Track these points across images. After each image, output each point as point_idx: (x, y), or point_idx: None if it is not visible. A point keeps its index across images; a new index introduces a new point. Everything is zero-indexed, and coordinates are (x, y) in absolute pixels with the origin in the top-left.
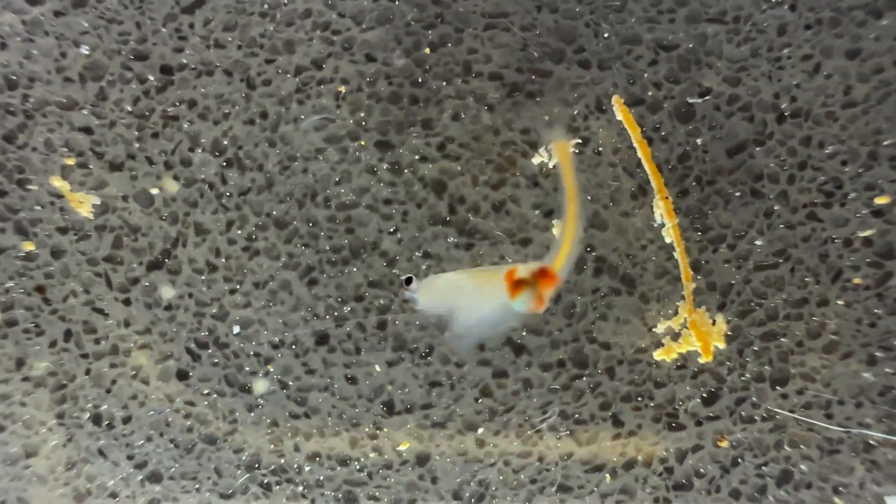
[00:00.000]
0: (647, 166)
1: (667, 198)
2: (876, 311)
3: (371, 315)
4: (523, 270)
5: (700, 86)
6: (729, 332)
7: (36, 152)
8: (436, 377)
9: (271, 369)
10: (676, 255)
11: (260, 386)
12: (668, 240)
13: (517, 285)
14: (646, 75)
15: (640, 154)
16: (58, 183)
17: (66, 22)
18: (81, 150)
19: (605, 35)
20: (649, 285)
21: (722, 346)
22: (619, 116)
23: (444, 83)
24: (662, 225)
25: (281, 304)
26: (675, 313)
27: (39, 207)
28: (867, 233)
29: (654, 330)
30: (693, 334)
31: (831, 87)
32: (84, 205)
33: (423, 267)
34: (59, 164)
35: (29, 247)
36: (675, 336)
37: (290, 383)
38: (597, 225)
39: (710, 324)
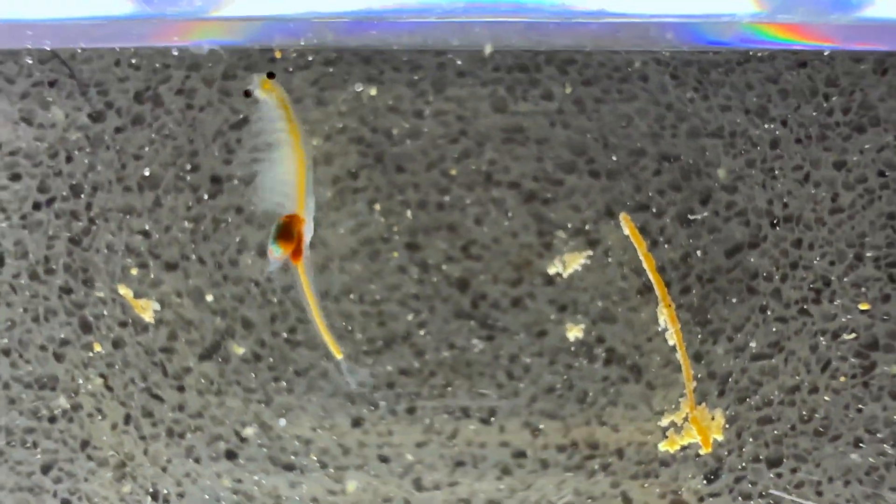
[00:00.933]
0: (652, 277)
1: (670, 305)
2: (862, 397)
3: (402, 401)
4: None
5: (700, 195)
6: (729, 415)
7: (99, 254)
8: (460, 457)
9: (311, 449)
10: (678, 356)
11: (301, 465)
12: (671, 343)
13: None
14: (650, 184)
15: (645, 265)
16: (123, 290)
17: (125, 137)
18: (140, 252)
19: (613, 148)
20: (654, 374)
21: (720, 438)
22: (627, 232)
23: (467, 191)
24: (666, 329)
25: (320, 391)
26: (678, 408)
27: (102, 304)
28: (853, 327)
29: (659, 423)
30: (694, 428)
31: (820, 195)
32: (147, 311)
33: (445, 362)
34: (119, 266)
35: (98, 347)
36: (678, 429)
37: (328, 462)
38: (607, 319)
39: (709, 419)
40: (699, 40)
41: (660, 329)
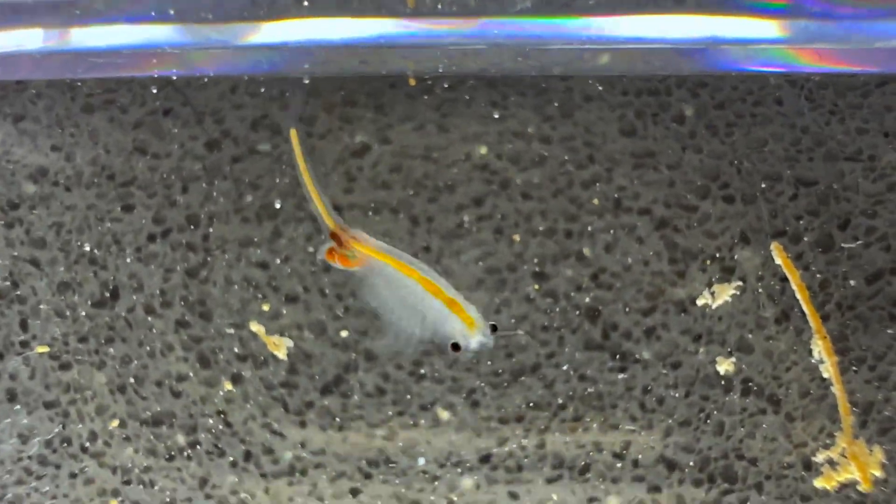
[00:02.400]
0: (806, 308)
1: (825, 337)
2: None
3: (531, 436)
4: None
5: (839, 220)
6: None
7: (216, 286)
8: (593, 493)
9: (437, 486)
10: (835, 390)
11: (427, 501)
12: (826, 375)
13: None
14: (787, 209)
15: (798, 296)
16: (255, 328)
17: (242, 167)
18: (259, 284)
19: (748, 172)
20: (794, 405)
21: (879, 474)
22: (779, 261)
23: (596, 217)
24: (822, 362)
25: (446, 425)
26: (834, 443)
27: (220, 337)
28: None
29: (814, 459)
30: (853, 464)
31: None
32: (280, 348)
33: (576, 394)
34: (238, 298)
35: (228, 386)
36: (834, 465)
37: (455, 499)
38: (743, 349)
39: (867, 454)
40: (837, 64)
41: (814, 361)
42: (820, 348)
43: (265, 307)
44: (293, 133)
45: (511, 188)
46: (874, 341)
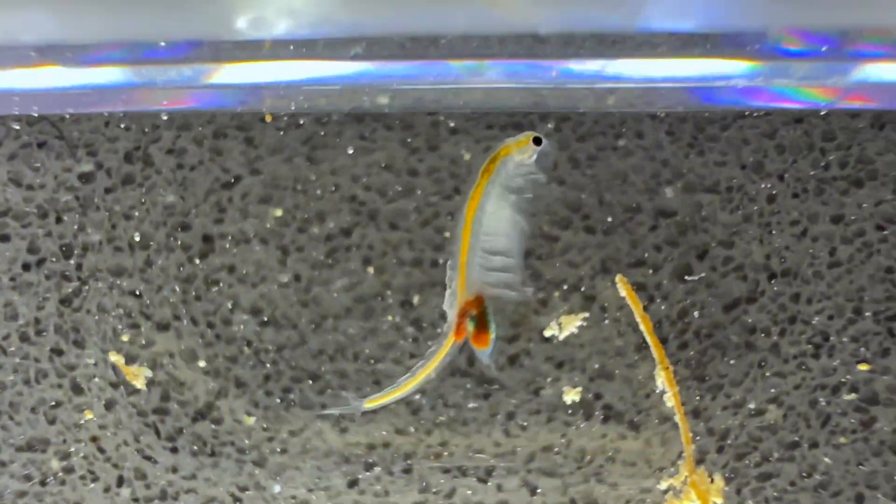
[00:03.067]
0: (649, 339)
1: (667, 368)
2: (863, 452)
3: (397, 461)
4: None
5: (697, 250)
6: (728, 472)
7: (90, 314)
8: None
9: None
10: (677, 419)
11: None
12: (669, 405)
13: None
14: (647, 240)
15: (642, 328)
16: (114, 357)
17: (115, 198)
18: (131, 312)
19: (609, 204)
20: (653, 430)
21: (720, 501)
22: (623, 293)
23: None
24: (664, 392)
25: (315, 451)
26: (677, 471)
27: (94, 365)
28: (853, 382)
29: (658, 486)
30: (693, 492)
31: (818, 249)
32: (138, 377)
33: (444, 418)
34: (111, 327)
35: (89, 415)
36: (677, 493)
37: None
38: (604, 375)
39: (708, 482)
40: (695, 102)
41: (657, 391)
42: (663, 379)
43: (137, 336)
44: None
45: (379, 219)
46: (731, 369)
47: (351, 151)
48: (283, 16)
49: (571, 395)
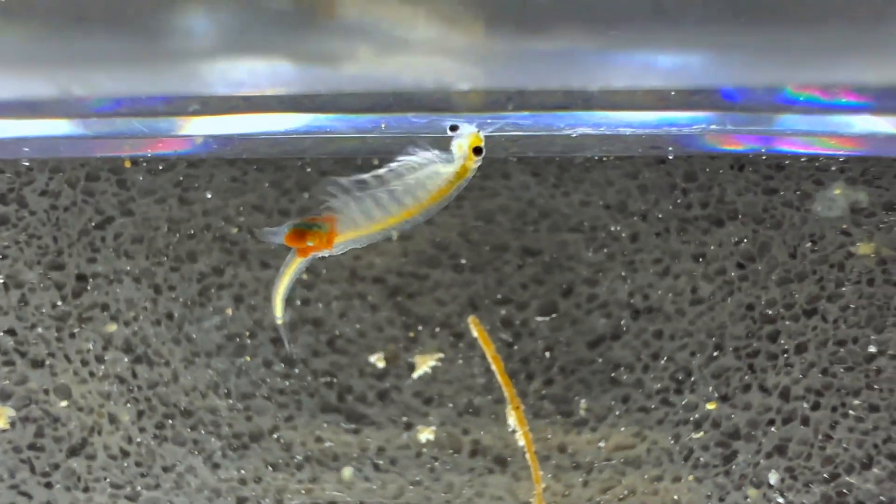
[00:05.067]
0: (500, 379)
1: (518, 407)
2: (724, 486)
3: (269, 496)
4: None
5: (562, 288)
6: None
7: None
8: None
9: None
10: (527, 458)
11: None
12: (520, 444)
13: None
14: (513, 278)
15: (493, 368)
16: None
17: None
18: (6, 350)
19: (476, 243)
20: (519, 465)
21: None
22: (475, 334)
23: (332, 286)
24: (515, 430)
25: (188, 486)
26: None
27: None
28: (714, 416)
29: None
30: None
31: (679, 286)
32: (1, 417)
33: (314, 453)
34: None
35: None
36: None
37: None
38: (472, 411)
39: None
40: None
41: (510, 430)
42: (514, 418)
43: (11, 372)
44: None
45: (249, 258)
46: (596, 404)
47: (221, 193)
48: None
49: (440, 431)
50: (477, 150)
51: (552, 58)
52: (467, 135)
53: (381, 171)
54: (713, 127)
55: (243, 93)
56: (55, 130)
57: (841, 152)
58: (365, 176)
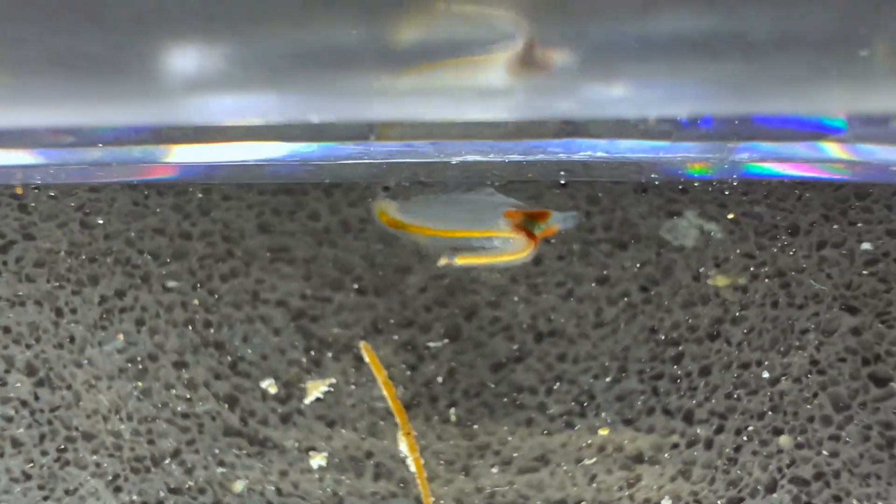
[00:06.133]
0: (392, 405)
1: (409, 433)
2: None
3: None
4: None
5: (465, 311)
6: None
7: None
8: None
9: None
10: (418, 484)
11: None
12: (412, 469)
13: None
14: (417, 301)
15: (384, 393)
16: None
17: None
18: None
19: (380, 266)
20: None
21: None
22: (367, 359)
23: (235, 309)
24: (406, 457)
25: None
26: None
27: None
28: (618, 438)
29: None
30: None
31: (583, 309)
32: None
33: (217, 476)
34: None
35: None
36: None
37: None
38: (376, 434)
39: None
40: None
41: (401, 455)
42: (405, 444)
43: None
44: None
45: (152, 281)
46: (498, 427)
47: (122, 217)
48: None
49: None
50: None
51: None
52: None
53: None
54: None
55: (244, 122)
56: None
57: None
58: None
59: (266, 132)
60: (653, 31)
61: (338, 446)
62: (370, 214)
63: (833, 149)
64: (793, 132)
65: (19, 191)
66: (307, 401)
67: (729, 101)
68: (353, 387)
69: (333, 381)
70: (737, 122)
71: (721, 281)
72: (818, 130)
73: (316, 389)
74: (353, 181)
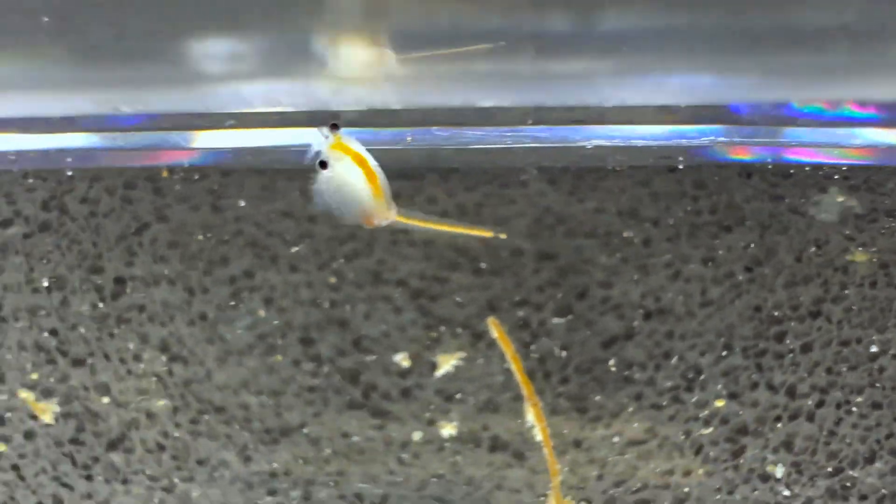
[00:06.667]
0: (519, 377)
1: (535, 404)
2: (733, 479)
3: (298, 488)
4: None
5: (576, 289)
6: (607, 498)
7: (10, 351)
8: None
9: None
10: (545, 453)
11: None
12: (538, 439)
13: None
14: (530, 281)
15: (512, 367)
16: (23, 395)
17: (32, 243)
18: (48, 349)
19: (495, 247)
20: (538, 459)
21: None
22: (495, 334)
23: (358, 289)
24: (533, 426)
25: (221, 479)
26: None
27: (11, 398)
28: (723, 413)
29: None
30: None
31: (690, 289)
32: (46, 412)
33: (341, 448)
34: (30, 363)
35: (2, 448)
36: None
37: None
38: (490, 407)
39: None
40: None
41: (528, 426)
42: (532, 414)
43: (53, 370)
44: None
45: (279, 262)
46: (609, 401)
47: (252, 201)
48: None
49: (460, 427)
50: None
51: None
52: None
53: None
54: (721, 139)
55: (274, 109)
56: (94, 142)
57: (844, 161)
58: None
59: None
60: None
61: (457, 418)
62: (486, 199)
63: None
64: (831, 121)
65: (165, 174)
66: (438, 373)
67: (772, 88)
68: (473, 362)
69: (464, 354)
70: (776, 109)
71: (860, 257)
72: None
73: (447, 363)
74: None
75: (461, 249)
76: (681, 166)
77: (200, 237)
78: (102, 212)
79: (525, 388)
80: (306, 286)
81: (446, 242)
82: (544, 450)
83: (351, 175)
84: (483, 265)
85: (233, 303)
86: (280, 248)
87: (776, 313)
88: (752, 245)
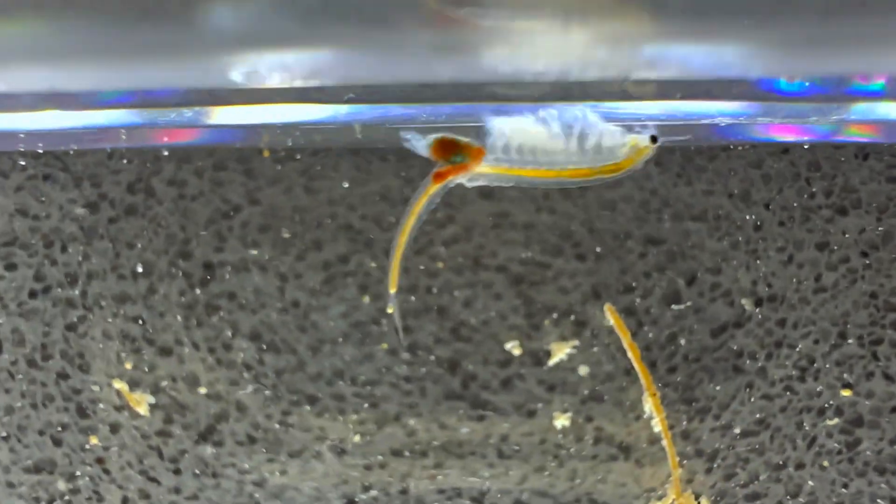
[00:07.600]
0: (637, 367)
1: (655, 394)
2: (847, 473)
3: (394, 481)
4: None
5: (685, 276)
6: (716, 492)
7: (94, 340)
8: None
9: None
10: (664, 444)
11: None
12: (656, 430)
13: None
14: (636, 266)
15: (630, 356)
16: (118, 385)
17: (118, 227)
18: (135, 338)
19: (599, 232)
20: (642, 452)
21: None
22: (611, 322)
23: (456, 275)
24: (651, 417)
25: (314, 472)
26: (665, 494)
27: (98, 389)
28: (838, 403)
29: None
30: None
31: (803, 275)
32: (141, 404)
33: (438, 441)
34: (115, 352)
35: (94, 440)
36: None
37: None
38: (594, 398)
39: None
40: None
41: (645, 416)
42: (650, 405)
43: (140, 361)
44: None
45: (374, 247)
46: (719, 392)
47: (347, 184)
48: (276, 69)
49: (563, 418)
50: (653, 139)
51: None
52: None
53: (549, 119)
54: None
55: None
56: (188, 119)
57: None
58: (528, 116)
59: None
60: None
61: (558, 409)
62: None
63: None
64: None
65: (266, 153)
66: (551, 362)
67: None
68: (585, 351)
69: (577, 342)
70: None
71: None
72: None
73: (561, 351)
74: None
75: (564, 234)
76: (797, 146)
77: (292, 221)
78: (191, 194)
79: (644, 379)
80: (403, 272)
81: (548, 226)
82: (663, 441)
83: None
84: (586, 250)
85: (326, 289)
86: (375, 232)
87: (893, 300)
88: (869, 229)
